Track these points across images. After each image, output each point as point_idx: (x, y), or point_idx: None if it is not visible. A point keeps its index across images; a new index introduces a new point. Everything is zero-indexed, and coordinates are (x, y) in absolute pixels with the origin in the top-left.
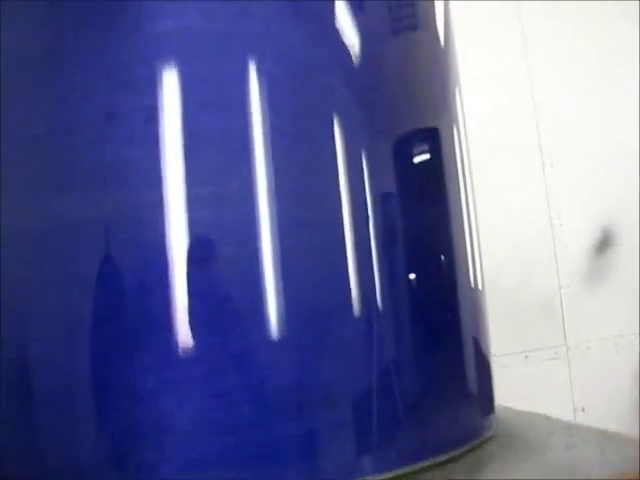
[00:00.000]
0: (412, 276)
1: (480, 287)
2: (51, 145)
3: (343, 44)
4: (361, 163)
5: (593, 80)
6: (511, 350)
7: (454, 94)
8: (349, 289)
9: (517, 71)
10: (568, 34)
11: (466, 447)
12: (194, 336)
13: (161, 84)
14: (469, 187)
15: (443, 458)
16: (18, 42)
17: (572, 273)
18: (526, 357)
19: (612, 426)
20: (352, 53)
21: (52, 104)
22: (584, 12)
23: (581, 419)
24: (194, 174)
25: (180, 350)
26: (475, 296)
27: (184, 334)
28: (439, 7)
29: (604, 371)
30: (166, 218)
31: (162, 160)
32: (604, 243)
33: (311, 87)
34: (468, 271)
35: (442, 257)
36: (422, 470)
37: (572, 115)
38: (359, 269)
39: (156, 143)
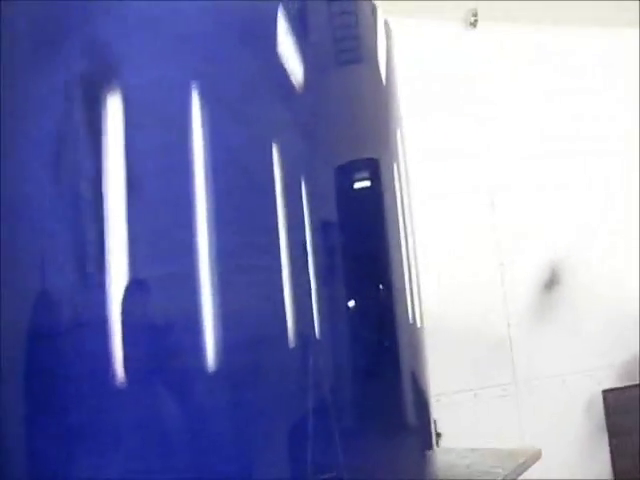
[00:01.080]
0: (350, 306)
1: (419, 323)
2: None
3: (286, 72)
4: (300, 191)
5: (535, 109)
6: (461, 388)
7: (395, 129)
8: (285, 320)
9: (469, 102)
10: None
11: None
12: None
13: None
14: (408, 222)
15: None
16: None
17: (521, 311)
18: (475, 395)
19: (560, 462)
20: (295, 81)
21: None
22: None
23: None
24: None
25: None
26: (414, 331)
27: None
28: (382, 45)
29: (552, 408)
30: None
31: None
32: (552, 281)
33: (253, 115)
34: (406, 305)
35: (380, 289)
36: None
37: (517, 153)
38: (297, 300)
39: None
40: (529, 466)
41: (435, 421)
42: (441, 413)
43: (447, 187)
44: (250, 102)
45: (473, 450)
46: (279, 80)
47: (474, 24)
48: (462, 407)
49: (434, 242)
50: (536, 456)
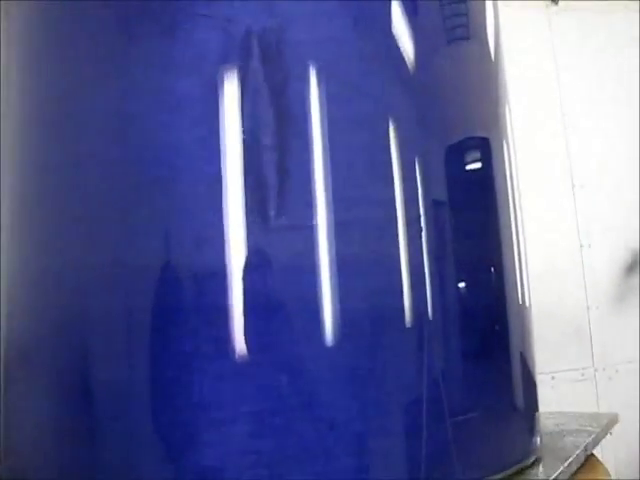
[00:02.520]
0: (462, 286)
1: (527, 303)
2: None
3: (399, 52)
4: (414, 171)
5: (624, 101)
6: (539, 370)
7: (504, 107)
8: (402, 298)
9: (548, 92)
10: (597, 53)
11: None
12: (248, 343)
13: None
14: (517, 202)
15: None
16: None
17: (601, 295)
18: (553, 378)
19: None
20: (408, 61)
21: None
22: (613, 31)
23: (607, 440)
24: (251, 184)
25: (236, 357)
26: (522, 311)
27: (239, 340)
28: (490, 24)
29: (631, 393)
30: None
31: (222, 172)
32: (633, 265)
33: (367, 96)
34: (516, 286)
35: (492, 269)
36: None
37: (602, 137)
38: (411, 279)
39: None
40: (611, 428)
41: None
42: None
43: (528, 169)
44: (368, 80)
45: (552, 413)
46: (394, 59)
47: (555, 1)
48: (540, 390)
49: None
50: (614, 420)
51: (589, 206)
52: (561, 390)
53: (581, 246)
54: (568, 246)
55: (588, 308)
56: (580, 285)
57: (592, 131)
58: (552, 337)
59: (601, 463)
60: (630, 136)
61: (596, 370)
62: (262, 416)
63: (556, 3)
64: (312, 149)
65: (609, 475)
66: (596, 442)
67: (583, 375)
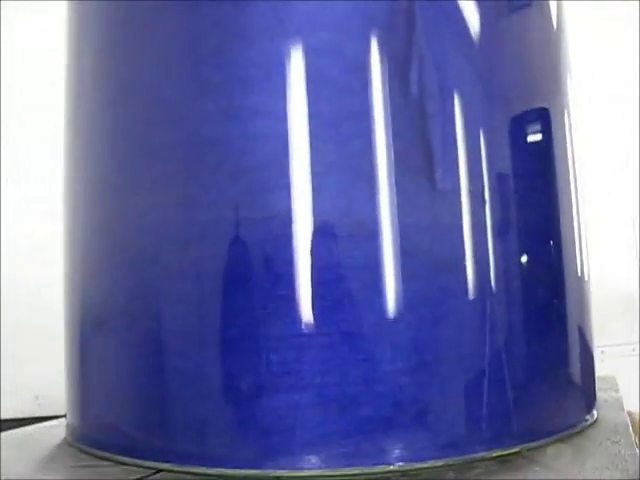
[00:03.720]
0: (524, 260)
1: (586, 277)
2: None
3: (463, 21)
4: (479, 140)
5: None
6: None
7: (566, 77)
8: (465, 271)
9: None
10: None
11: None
12: (315, 311)
13: None
14: (578, 175)
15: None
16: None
17: None
18: (602, 352)
19: None
20: (471, 30)
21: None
22: None
23: None
24: (319, 158)
25: (303, 324)
26: (582, 286)
27: (307, 309)
28: None
29: None
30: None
31: (291, 146)
32: None
33: (431, 64)
34: (576, 260)
35: (552, 243)
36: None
37: None
38: (474, 251)
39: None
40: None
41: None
42: None
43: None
44: (444, 37)
45: None
46: (457, 28)
47: None
48: None
49: None
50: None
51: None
52: (611, 365)
53: (634, 220)
54: (621, 218)
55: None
56: (631, 259)
57: None
58: (602, 311)
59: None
60: None
61: None
62: (325, 385)
63: None
64: None
65: None
66: None
67: (634, 350)
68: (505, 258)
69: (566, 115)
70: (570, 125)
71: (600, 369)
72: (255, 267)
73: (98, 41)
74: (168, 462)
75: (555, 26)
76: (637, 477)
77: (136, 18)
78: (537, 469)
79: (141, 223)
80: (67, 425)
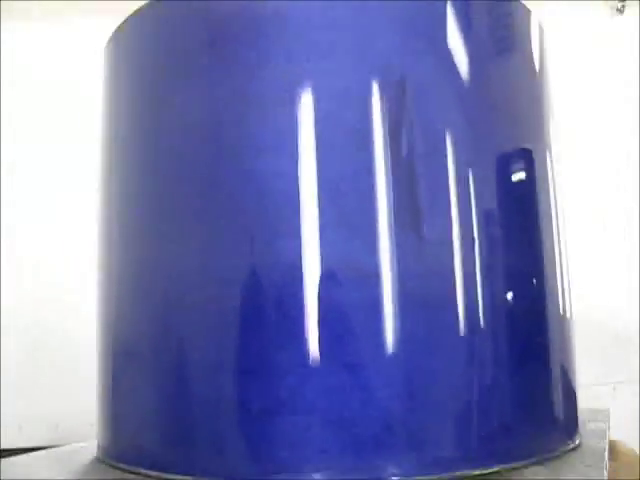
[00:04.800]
0: (508, 301)
1: (569, 316)
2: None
3: (455, 65)
4: (465, 192)
5: None
6: (600, 381)
7: (549, 121)
8: (452, 311)
9: None
10: None
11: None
12: (330, 344)
13: None
14: (561, 215)
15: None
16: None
17: None
18: (614, 389)
19: None
20: (461, 73)
21: None
22: None
23: None
24: (322, 213)
25: (317, 356)
26: (565, 325)
27: (311, 343)
28: (534, 32)
29: None
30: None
31: (298, 203)
32: None
33: (419, 126)
34: (558, 298)
35: (535, 284)
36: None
37: None
38: (461, 293)
39: (304, 178)
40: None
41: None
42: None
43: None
44: (431, 100)
45: None
46: (452, 77)
47: (621, 10)
48: (602, 400)
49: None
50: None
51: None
52: (622, 400)
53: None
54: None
55: None
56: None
57: None
58: (614, 348)
59: (630, 448)
60: None
61: None
62: (325, 412)
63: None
64: None
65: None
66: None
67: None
68: (491, 300)
69: (549, 159)
70: (553, 168)
71: (613, 404)
72: (265, 307)
73: (131, 102)
74: (189, 475)
75: (538, 70)
76: None
77: (164, 84)
78: None
79: (168, 270)
80: (98, 446)
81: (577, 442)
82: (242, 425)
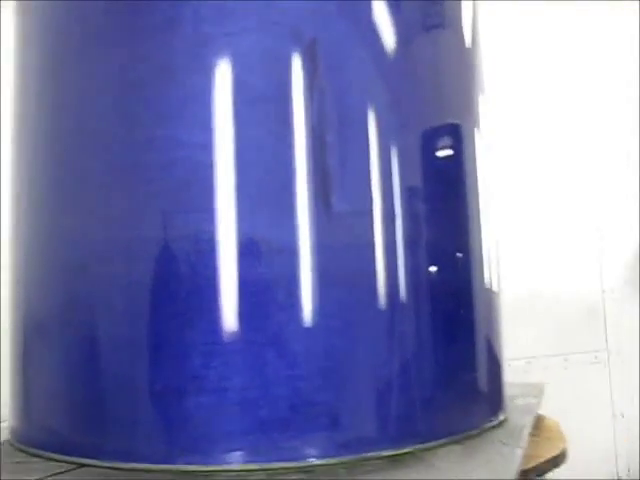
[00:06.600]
0: (432, 271)
1: (495, 289)
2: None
3: (378, 38)
4: (390, 157)
5: None
6: (552, 352)
7: (478, 98)
8: (375, 283)
9: None
10: None
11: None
12: (239, 321)
13: None
14: (487, 189)
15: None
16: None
17: (616, 278)
18: (566, 360)
19: None
20: (386, 47)
21: None
22: None
23: (621, 424)
24: (244, 180)
25: (225, 333)
26: (490, 296)
27: (230, 319)
28: (467, 10)
29: None
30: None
31: (215, 165)
32: None
33: (338, 74)
34: (484, 272)
35: (459, 257)
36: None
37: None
38: (385, 263)
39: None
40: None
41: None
42: (532, 376)
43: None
44: (349, 49)
45: None
46: (372, 46)
47: None
48: (552, 371)
49: (531, 207)
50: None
51: (604, 189)
52: (574, 372)
53: (597, 229)
54: (585, 228)
55: (603, 291)
56: (596, 268)
57: None
58: (566, 320)
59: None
60: None
61: (609, 353)
62: (245, 389)
63: None
64: None
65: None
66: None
67: (596, 358)
68: (409, 275)
69: (476, 134)
70: (480, 143)
71: (564, 376)
72: (173, 282)
73: (40, 59)
74: (93, 458)
75: (467, 45)
76: (507, 475)
77: (67, 52)
78: (420, 467)
79: (74, 241)
80: (9, 427)
81: (502, 418)
82: (150, 406)
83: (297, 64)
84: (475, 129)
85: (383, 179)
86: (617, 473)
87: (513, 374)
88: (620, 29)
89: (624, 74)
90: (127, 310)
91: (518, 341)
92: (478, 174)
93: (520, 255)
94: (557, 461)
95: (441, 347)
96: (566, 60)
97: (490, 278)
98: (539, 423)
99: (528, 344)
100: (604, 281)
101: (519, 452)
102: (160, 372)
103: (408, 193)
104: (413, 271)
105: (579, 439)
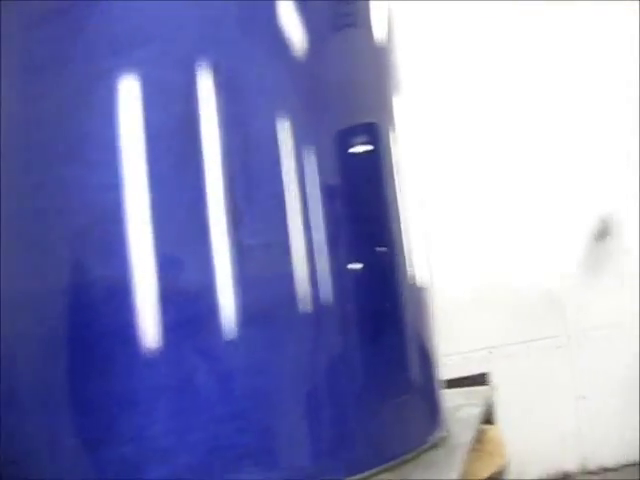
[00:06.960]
0: (352, 269)
1: (420, 284)
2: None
3: (287, 38)
4: (303, 157)
5: None
6: (514, 340)
7: (391, 94)
8: (294, 286)
9: None
10: None
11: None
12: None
13: None
14: (404, 185)
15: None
16: None
17: (572, 263)
18: (528, 347)
19: (612, 412)
20: (295, 47)
21: None
22: None
23: (582, 407)
24: (156, 193)
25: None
26: (415, 291)
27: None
28: (381, 9)
29: (604, 359)
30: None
31: (123, 179)
32: (603, 233)
33: (255, 85)
34: (406, 267)
35: (381, 252)
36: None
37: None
38: (306, 264)
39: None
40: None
41: (487, 374)
42: (494, 365)
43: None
44: (251, 69)
45: None
46: (280, 47)
47: None
48: (515, 359)
49: (489, 198)
50: (490, 394)
51: (557, 174)
52: (536, 358)
53: (553, 214)
54: (540, 214)
55: (561, 277)
56: (553, 253)
57: None
58: (526, 307)
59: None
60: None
61: (569, 337)
62: (163, 436)
63: None
64: None
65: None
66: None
67: (557, 343)
68: (334, 269)
69: (391, 132)
70: (395, 142)
71: (527, 363)
72: (87, 326)
73: None
74: None
75: (380, 45)
76: None
77: None
78: None
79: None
80: None
81: (441, 435)
82: (69, 458)
83: (196, 94)
84: (390, 127)
85: (295, 202)
86: (581, 452)
87: (476, 364)
88: (620, 29)
89: (624, 74)
90: (39, 362)
91: (479, 332)
92: (394, 170)
93: (477, 245)
94: (496, 478)
95: (367, 376)
96: (566, 60)
97: (415, 273)
98: (482, 436)
99: (490, 334)
100: (561, 265)
101: (454, 475)
102: (76, 423)
103: (331, 188)
104: (341, 268)
105: (544, 421)
